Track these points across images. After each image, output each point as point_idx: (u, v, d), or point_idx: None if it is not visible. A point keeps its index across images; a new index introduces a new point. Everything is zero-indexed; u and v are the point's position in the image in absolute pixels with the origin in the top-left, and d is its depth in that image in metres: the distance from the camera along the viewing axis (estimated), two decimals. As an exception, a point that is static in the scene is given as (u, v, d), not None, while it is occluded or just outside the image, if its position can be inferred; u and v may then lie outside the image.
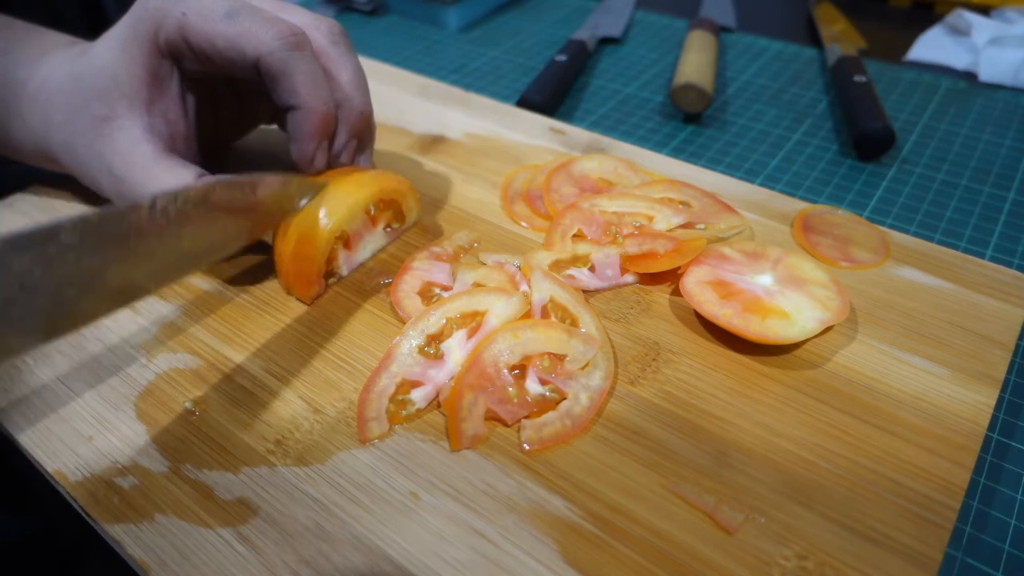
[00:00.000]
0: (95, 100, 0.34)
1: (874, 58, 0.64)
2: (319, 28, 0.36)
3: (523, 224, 0.40)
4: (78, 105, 0.35)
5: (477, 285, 0.35)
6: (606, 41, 0.70)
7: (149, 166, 0.34)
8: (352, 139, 0.37)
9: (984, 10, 0.68)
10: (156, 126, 0.35)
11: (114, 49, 0.34)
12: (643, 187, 0.42)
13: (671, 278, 0.36)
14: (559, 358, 0.31)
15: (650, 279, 0.36)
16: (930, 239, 0.44)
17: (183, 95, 0.36)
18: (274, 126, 0.44)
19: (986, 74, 0.60)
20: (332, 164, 0.37)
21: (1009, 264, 0.42)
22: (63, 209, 0.42)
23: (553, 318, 0.33)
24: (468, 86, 0.62)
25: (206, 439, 0.29)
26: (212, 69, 0.34)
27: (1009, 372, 0.35)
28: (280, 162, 0.45)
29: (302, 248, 0.34)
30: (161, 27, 0.33)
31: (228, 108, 0.41)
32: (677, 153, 0.52)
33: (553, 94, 0.56)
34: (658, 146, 0.53)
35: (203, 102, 0.38)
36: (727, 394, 0.31)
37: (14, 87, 0.37)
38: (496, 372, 0.30)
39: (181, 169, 0.34)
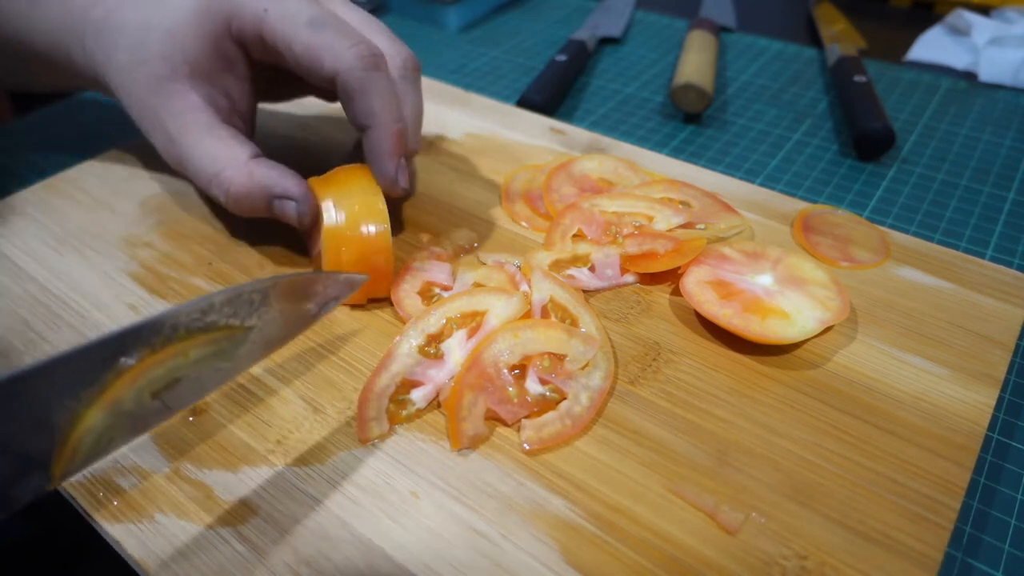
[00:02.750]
0: (158, 59, 0.34)
1: (874, 58, 0.64)
2: (393, 58, 0.35)
3: (523, 224, 0.40)
4: (142, 56, 0.34)
5: (477, 285, 0.35)
6: (606, 41, 0.70)
7: (203, 134, 0.34)
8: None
9: (984, 10, 0.68)
10: (215, 98, 0.35)
11: (187, 12, 0.33)
12: (643, 187, 0.42)
13: (671, 278, 0.36)
14: (559, 358, 0.31)
15: (650, 279, 0.36)
16: (930, 239, 0.44)
17: (248, 78, 0.36)
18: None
19: (986, 74, 0.60)
20: None
21: (1009, 264, 0.42)
22: (64, 210, 0.41)
23: (553, 318, 0.33)
24: (468, 86, 0.62)
25: (206, 439, 0.29)
26: (279, 65, 0.34)
27: (1009, 372, 0.35)
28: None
29: (375, 257, 0.33)
30: (235, 16, 0.33)
31: (278, 82, 0.41)
32: (677, 153, 0.52)
33: (553, 94, 0.56)
34: (658, 146, 0.53)
35: (260, 79, 0.38)
36: (727, 394, 0.31)
37: (78, 11, 0.36)
38: (496, 372, 0.30)
39: (235, 143, 0.34)
